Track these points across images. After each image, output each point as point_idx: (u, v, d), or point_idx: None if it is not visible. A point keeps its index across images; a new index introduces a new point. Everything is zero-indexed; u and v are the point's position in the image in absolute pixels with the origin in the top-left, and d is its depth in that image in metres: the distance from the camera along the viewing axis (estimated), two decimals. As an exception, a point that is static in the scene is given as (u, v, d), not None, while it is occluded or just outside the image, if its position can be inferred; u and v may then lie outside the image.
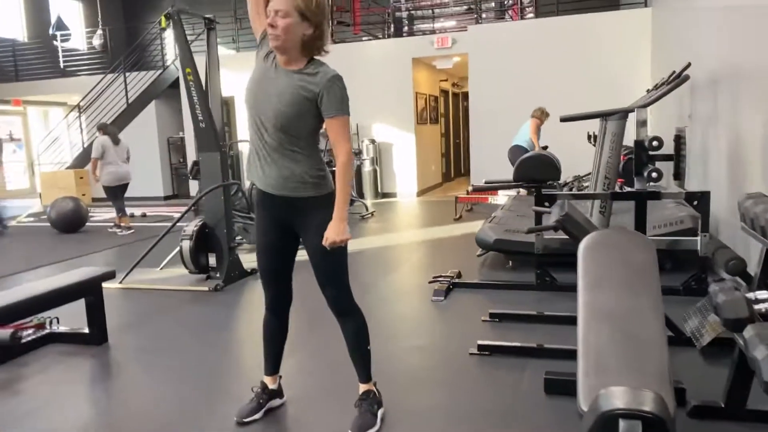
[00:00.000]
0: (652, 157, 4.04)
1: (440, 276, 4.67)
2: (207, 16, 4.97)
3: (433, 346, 3.44)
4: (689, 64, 4.73)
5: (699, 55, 5.13)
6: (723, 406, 2.36)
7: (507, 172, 9.16)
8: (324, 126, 2.29)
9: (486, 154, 9.82)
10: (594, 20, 9.28)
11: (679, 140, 3.96)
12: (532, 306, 4.01)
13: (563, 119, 4.74)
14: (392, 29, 12.17)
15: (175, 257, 5.44)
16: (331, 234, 2.24)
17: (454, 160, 13.81)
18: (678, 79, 4.58)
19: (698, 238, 3.93)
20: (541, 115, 7.72)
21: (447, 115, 13.16)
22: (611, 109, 4.76)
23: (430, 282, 4.61)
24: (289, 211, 2.36)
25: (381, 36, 12.57)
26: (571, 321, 3.58)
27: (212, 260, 5.06)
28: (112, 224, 8.29)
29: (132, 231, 8.10)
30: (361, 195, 10.00)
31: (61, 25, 14.14)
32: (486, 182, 5.44)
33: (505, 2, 12.57)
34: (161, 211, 10.39)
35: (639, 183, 4.13)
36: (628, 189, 4.86)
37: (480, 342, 3.22)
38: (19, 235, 8.45)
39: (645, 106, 4.62)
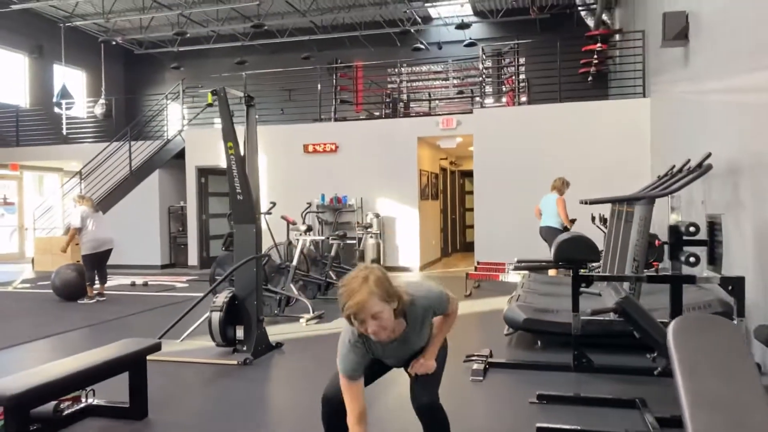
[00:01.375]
0: (685, 242, 4.19)
1: (474, 355, 4.67)
2: (249, 94, 5.15)
3: (489, 429, 3.40)
4: (710, 154, 4.98)
5: (709, 144, 5.41)
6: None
7: (513, 248, 9.32)
8: None
9: (490, 231, 10.00)
10: (595, 108, 9.75)
11: (713, 227, 4.12)
12: (571, 387, 4.01)
13: (591, 202, 4.92)
14: (393, 109, 12.66)
15: (197, 329, 5.38)
16: (420, 368, 2.49)
17: (451, 236, 13.98)
18: (701, 169, 4.81)
19: (735, 322, 4.01)
20: (562, 186, 7.91)
21: (445, 191, 13.43)
22: (639, 194, 4.97)
23: (464, 361, 4.60)
24: None
25: (380, 115, 12.99)
26: (622, 404, 3.61)
27: (239, 333, 4.99)
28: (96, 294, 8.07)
29: (99, 300, 7.93)
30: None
31: (65, 94, 14.39)
32: (519, 261, 5.52)
33: (502, 89, 13.21)
34: (160, 280, 10.23)
35: (674, 267, 4.24)
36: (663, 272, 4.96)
37: (539, 425, 3.20)
38: (20, 301, 8.24)
39: (671, 192, 4.82)
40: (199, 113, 13.03)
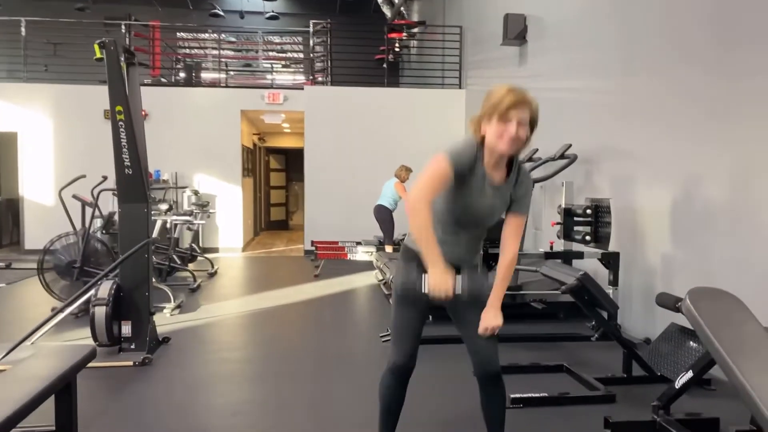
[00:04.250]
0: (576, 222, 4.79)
1: (384, 335, 4.72)
2: (128, 48, 4.36)
3: (469, 408, 3.49)
4: (570, 145, 5.71)
5: (549, 137, 6.22)
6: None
7: (344, 227, 9.48)
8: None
9: (320, 210, 9.99)
10: (418, 94, 10.32)
11: (597, 209, 4.76)
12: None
13: None
14: (188, 76, 11.78)
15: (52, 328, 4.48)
16: (492, 321, 2.29)
17: (260, 215, 13.61)
18: (569, 159, 5.51)
19: (611, 291, 4.73)
20: (400, 172, 8.20)
21: (255, 169, 13.00)
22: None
23: (384, 341, 4.62)
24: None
25: (172, 82, 11.96)
26: (552, 369, 3.99)
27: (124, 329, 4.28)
28: None
29: None
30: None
31: None
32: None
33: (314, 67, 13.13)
34: None
35: (565, 244, 4.82)
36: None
37: (513, 395, 3.40)
38: None
39: (549, 178, 5.43)
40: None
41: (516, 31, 7.29)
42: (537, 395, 3.46)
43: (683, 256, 4.39)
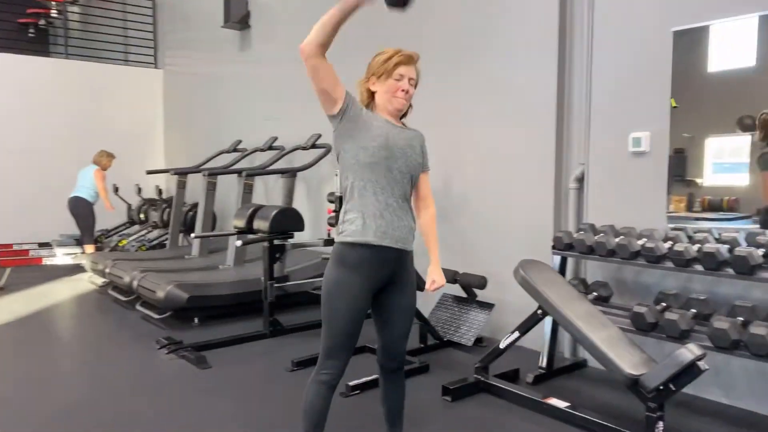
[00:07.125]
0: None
1: (166, 344, 4.16)
2: None
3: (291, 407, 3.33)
4: (320, 135, 5.85)
5: (286, 125, 6.29)
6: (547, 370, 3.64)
7: (20, 228, 7.83)
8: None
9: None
10: (103, 70, 9.03)
11: (365, 196, 5.03)
12: (291, 351, 4.20)
13: (249, 175, 5.09)
14: None
15: None
16: (439, 279, 2.38)
17: None
18: (325, 149, 5.66)
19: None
20: (101, 158, 7.10)
21: None
22: (292, 167, 5.45)
23: (167, 353, 4.05)
24: (394, 267, 2.28)
25: None
26: (356, 351, 4.14)
27: None
28: None
29: None
30: None
31: None
32: (197, 237, 4.99)
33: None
34: None
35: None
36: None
37: (349, 383, 3.42)
38: None
39: (309, 167, 5.53)
40: None
41: (239, 15, 7.06)
42: (370, 378, 3.52)
43: (444, 235, 4.98)
